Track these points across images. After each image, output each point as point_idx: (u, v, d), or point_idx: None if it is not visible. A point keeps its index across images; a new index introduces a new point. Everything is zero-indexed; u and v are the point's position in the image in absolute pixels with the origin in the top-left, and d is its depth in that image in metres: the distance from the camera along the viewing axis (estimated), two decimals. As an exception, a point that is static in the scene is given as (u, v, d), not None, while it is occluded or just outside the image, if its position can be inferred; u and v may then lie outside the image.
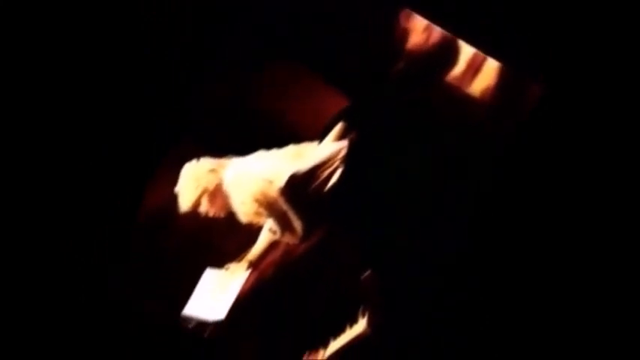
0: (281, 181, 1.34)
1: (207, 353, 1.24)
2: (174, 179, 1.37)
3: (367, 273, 1.20)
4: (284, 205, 1.32)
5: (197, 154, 1.41)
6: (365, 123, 1.33)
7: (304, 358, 1.20)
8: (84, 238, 1.11)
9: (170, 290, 1.37)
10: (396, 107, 1.26)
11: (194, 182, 1.37)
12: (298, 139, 1.45)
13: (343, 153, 1.37)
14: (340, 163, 1.37)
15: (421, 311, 1.10)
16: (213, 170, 1.40)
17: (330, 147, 1.40)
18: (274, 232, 1.34)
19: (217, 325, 1.27)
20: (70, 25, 1.07)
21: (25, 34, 1.05)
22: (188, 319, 1.28)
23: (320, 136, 1.43)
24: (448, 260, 1.08)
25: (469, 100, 1.20)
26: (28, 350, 1.03)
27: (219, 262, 1.46)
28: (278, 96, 1.47)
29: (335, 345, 1.19)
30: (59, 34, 1.06)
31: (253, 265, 1.44)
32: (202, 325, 1.28)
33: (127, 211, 1.16)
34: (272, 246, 1.41)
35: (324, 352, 1.19)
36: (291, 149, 1.45)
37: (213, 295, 1.34)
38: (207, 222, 1.37)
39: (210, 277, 1.40)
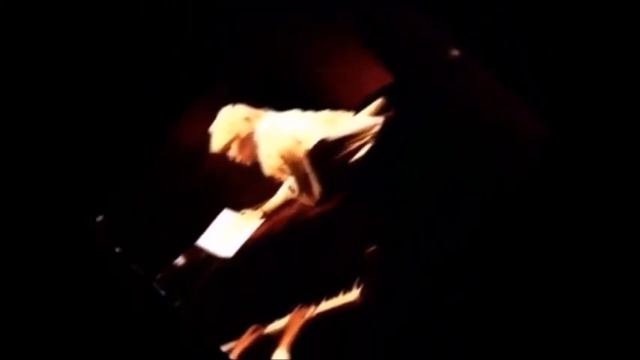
0: (309, 143, 1.33)
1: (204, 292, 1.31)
2: (209, 118, 1.40)
3: (372, 248, 1.23)
4: (307, 167, 1.33)
5: (236, 100, 1.42)
6: (404, 105, 1.30)
7: (295, 309, 1.27)
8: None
9: (187, 224, 1.44)
10: (438, 98, 1.23)
11: (228, 126, 1.39)
12: (335, 106, 1.41)
13: (376, 129, 1.36)
14: (370, 138, 1.36)
15: (413, 298, 1.13)
16: (248, 119, 1.41)
17: (365, 121, 1.39)
18: (292, 191, 1.37)
19: (223, 261, 1.35)
20: None
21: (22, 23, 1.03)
22: (199, 250, 1.36)
23: (357, 108, 1.39)
24: (453, 256, 1.09)
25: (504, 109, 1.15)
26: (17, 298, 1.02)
27: (237, 206, 1.50)
28: (324, 59, 1.44)
29: (325, 306, 1.24)
30: None
31: (267, 215, 1.45)
32: (210, 257, 1.36)
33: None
34: (288, 203, 1.42)
35: (314, 310, 1.25)
36: (325, 114, 1.44)
37: (226, 234, 1.41)
38: (232, 166, 1.40)
39: (227, 217, 1.46)
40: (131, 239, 1.32)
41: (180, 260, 1.44)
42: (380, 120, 1.35)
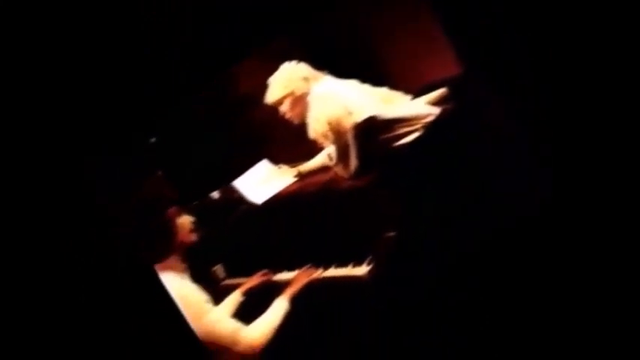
0: (359, 116, 1.28)
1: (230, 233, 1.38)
2: (270, 69, 1.40)
3: (391, 233, 1.23)
4: (350, 140, 1.30)
5: (299, 57, 1.40)
6: (465, 101, 1.21)
7: (305, 267, 1.33)
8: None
9: (228, 163, 1.52)
10: (496, 109, 1.12)
11: (285, 82, 1.38)
12: (395, 85, 1.35)
13: (429, 119, 1.29)
14: (421, 127, 1.28)
15: (415, 289, 1.14)
16: (306, 78, 1.39)
17: (421, 108, 1.31)
18: (330, 159, 1.36)
19: (251, 205, 1.42)
20: None
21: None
22: (234, 190, 1.44)
23: (416, 93, 1.32)
24: (457, 260, 1.08)
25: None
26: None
27: (275, 160, 1.54)
28: (395, 36, 1.36)
29: (332, 272, 1.25)
30: None
31: (301, 176, 1.48)
32: (241, 199, 1.43)
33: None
34: (323, 169, 1.42)
35: (321, 273, 1.27)
36: (383, 92, 1.37)
37: (260, 183, 1.46)
38: (280, 121, 1.42)
39: (264, 167, 1.51)
40: (175, 165, 1.42)
41: (215, 194, 1.54)
42: (436, 111, 1.27)
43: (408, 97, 1.36)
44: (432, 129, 1.25)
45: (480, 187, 1.13)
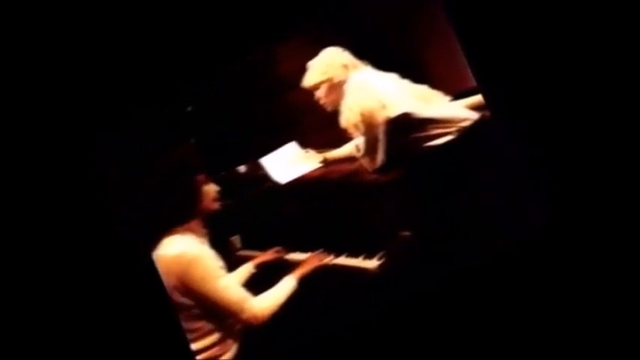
0: (393, 111, 1.26)
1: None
2: (311, 52, 1.39)
3: (407, 233, 1.22)
4: (380, 134, 1.28)
5: (343, 44, 1.38)
6: (505, 112, 1.15)
7: (317, 251, 1.35)
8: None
9: (257, 140, 1.54)
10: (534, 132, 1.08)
11: (325, 67, 1.36)
12: (435, 84, 1.30)
13: (465, 124, 1.24)
14: (455, 131, 1.24)
15: (421, 290, 1.14)
16: (345, 66, 1.36)
17: (458, 111, 1.26)
18: (358, 150, 1.35)
19: (274, 184, 1.45)
20: None
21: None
22: (260, 167, 1.47)
23: (456, 96, 1.27)
24: (463, 270, 1.08)
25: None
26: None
27: (304, 143, 1.53)
28: (443, 37, 1.30)
29: (343, 260, 1.27)
30: None
31: (327, 162, 1.47)
32: (266, 177, 1.46)
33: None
34: (349, 159, 1.39)
35: (332, 259, 1.29)
36: (422, 89, 1.32)
37: (286, 163, 1.48)
38: (314, 106, 1.41)
39: (292, 149, 1.51)
40: (207, 135, 1.47)
41: (242, 168, 1.58)
42: (474, 116, 1.22)
43: (446, 99, 1.31)
44: (467, 134, 1.20)
45: (489, 204, 1.11)
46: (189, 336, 1.10)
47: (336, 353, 1.14)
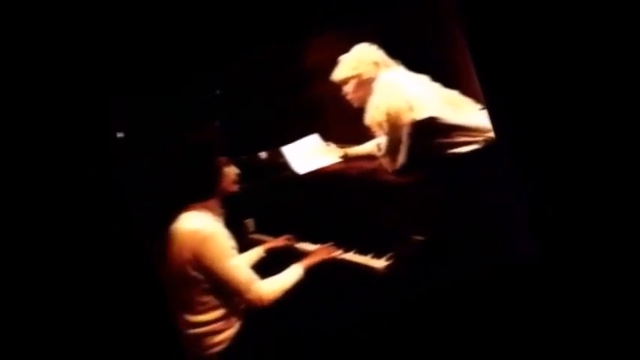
0: (420, 114, 1.23)
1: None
2: (344, 47, 1.38)
3: (419, 237, 1.21)
4: (404, 136, 1.26)
5: (376, 41, 1.36)
6: (535, 126, 1.11)
7: (327, 244, 1.35)
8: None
9: (281, 128, 1.56)
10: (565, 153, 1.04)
11: (355, 63, 1.34)
12: (467, 91, 1.27)
13: (492, 135, 1.21)
14: (482, 141, 1.21)
15: (424, 298, 1.14)
16: (376, 63, 1.35)
17: (487, 121, 1.22)
18: (379, 149, 1.33)
19: (293, 173, 1.46)
20: None
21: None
22: (281, 155, 1.48)
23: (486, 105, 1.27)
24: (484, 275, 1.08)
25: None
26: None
27: (326, 136, 1.53)
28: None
29: (351, 256, 1.27)
30: None
31: (347, 158, 1.47)
32: (283, 165, 1.48)
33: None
34: (370, 157, 1.39)
35: (341, 254, 1.29)
36: (452, 95, 1.29)
37: (306, 155, 1.48)
38: (340, 100, 1.40)
39: (314, 141, 1.51)
40: (233, 119, 1.49)
41: (263, 154, 1.60)
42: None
43: (476, 107, 1.27)
44: (492, 146, 1.17)
45: (493, 221, 1.09)
46: (198, 308, 1.14)
47: (331, 346, 1.16)
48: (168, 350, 1.06)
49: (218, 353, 1.14)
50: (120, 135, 1.38)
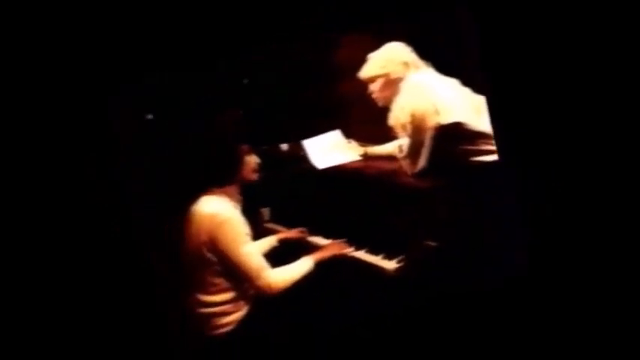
0: (445, 118, 1.20)
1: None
2: (374, 45, 1.36)
3: (432, 243, 1.19)
4: (427, 139, 1.23)
5: (408, 41, 1.34)
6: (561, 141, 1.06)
7: (340, 240, 1.33)
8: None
9: (302, 121, 1.56)
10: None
11: (384, 62, 1.33)
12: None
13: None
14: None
15: (429, 303, 1.13)
16: (406, 64, 1.32)
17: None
18: (400, 151, 1.31)
19: (312, 167, 1.47)
20: None
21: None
22: (301, 148, 1.49)
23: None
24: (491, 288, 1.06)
25: None
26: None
27: (347, 133, 1.51)
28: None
29: (362, 255, 1.26)
30: None
31: (366, 157, 1.47)
32: (303, 158, 1.49)
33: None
34: (390, 158, 1.37)
35: (352, 252, 1.28)
36: (481, 101, 1.23)
37: (326, 150, 1.49)
38: (365, 98, 1.38)
39: (335, 137, 1.50)
40: (257, 108, 1.51)
41: (284, 146, 1.62)
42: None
43: (505, 115, 1.23)
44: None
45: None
46: (209, 288, 1.17)
47: (332, 342, 1.16)
48: (167, 350, 1.07)
49: (225, 334, 1.16)
50: (149, 117, 1.43)
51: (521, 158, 0.97)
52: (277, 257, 1.27)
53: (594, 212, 0.93)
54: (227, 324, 1.17)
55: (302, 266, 1.24)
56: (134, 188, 1.14)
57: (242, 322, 1.18)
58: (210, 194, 1.20)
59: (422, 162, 1.25)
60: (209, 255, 1.15)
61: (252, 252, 1.19)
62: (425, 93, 1.29)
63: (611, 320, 0.92)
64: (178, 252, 1.19)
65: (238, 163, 1.22)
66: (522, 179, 0.97)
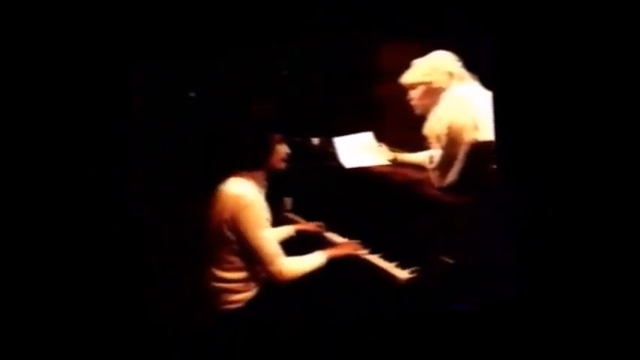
0: (483, 135, 1.15)
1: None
2: (420, 52, 1.33)
3: (449, 260, 1.16)
4: (461, 154, 1.19)
5: (457, 52, 1.30)
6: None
7: (355, 240, 1.32)
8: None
9: (336, 119, 1.56)
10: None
11: (429, 69, 1.29)
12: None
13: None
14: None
15: (434, 320, 1.10)
16: (451, 74, 1.28)
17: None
18: (430, 162, 1.27)
19: (339, 165, 1.47)
20: None
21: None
22: (331, 144, 1.50)
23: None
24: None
25: None
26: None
27: (380, 137, 1.50)
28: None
29: (375, 259, 1.25)
30: None
31: (395, 163, 1.45)
32: (332, 155, 1.50)
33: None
34: (419, 167, 1.35)
35: (365, 255, 1.27)
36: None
37: (356, 151, 1.48)
38: (403, 103, 1.34)
39: (366, 139, 1.48)
40: (293, 100, 1.52)
41: (315, 140, 1.63)
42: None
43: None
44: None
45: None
46: (224, 265, 1.21)
47: (332, 340, 1.16)
48: (165, 349, 1.09)
49: (232, 311, 1.20)
50: (192, 94, 1.49)
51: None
52: (292, 247, 1.29)
53: (595, 225, 0.86)
54: (236, 301, 1.20)
55: (315, 260, 1.26)
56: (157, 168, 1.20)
57: (250, 303, 1.21)
58: (238, 176, 1.24)
59: (451, 176, 1.22)
60: (229, 233, 1.19)
61: (269, 237, 1.21)
62: (466, 107, 1.25)
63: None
64: (202, 226, 1.24)
65: (269, 150, 1.25)
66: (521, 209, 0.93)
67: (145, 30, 1.05)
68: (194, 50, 1.14)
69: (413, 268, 1.21)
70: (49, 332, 1.01)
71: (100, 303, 1.04)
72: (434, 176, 1.26)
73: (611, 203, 0.85)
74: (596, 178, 0.86)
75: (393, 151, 1.51)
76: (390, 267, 1.24)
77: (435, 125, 1.28)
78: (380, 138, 1.53)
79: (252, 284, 1.22)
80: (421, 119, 1.32)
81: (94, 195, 1.02)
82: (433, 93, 1.29)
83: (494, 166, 1.16)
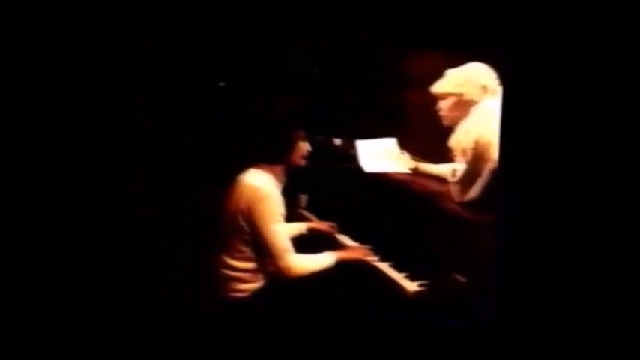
0: (511, 155, 1.15)
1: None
2: (456, 62, 1.29)
3: (462, 278, 1.13)
4: (485, 171, 1.16)
5: (498, 65, 1.24)
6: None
7: (367, 245, 1.30)
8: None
9: (360, 122, 1.55)
10: None
11: (462, 80, 1.25)
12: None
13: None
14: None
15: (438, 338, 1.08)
16: (484, 88, 1.24)
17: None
18: (453, 175, 1.23)
19: (358, 168, 1.46)
20: None
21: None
22: (353, 147, 1.49)
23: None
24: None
25: None
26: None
27: (403, 144, 1.47)
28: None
29: (384, 267, 1.23)
30: None
31: (416, 172, 1.42)
32: (352, 157, 1.48)
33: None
34: (440, 180, 1.32)
35: (376, 262, 1.26)
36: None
37: (378, 156, 1.46)
38: (430, 112, 1.31)
39: (390, 145, 1.46)
40: (320, 99, 1.51)
41: (337, 141, 1.62)
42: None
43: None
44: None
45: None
46: (235, 254, 1.22)
47: (331, 342, 1.15)
48: (164, 349, 1.08)
49: (238, 299, 1.21)
50: (221, 84, 1.51)
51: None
52: (302, 244, 1.29)
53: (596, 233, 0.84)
54: (242, 290, 1.22)
55: (324, 260, 1.25)
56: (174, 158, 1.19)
57: (256, 294, 1.22)
58: (258, 168, 1.25)
59: (473, 192, 1.18)
60: (243, 223, 1.21)
61: (281, 232, 1.22)
62: (496, 122, 1.20)
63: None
64: (218, 214, 1.24)
65: (290, 146, 1.26)
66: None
67: (149, 27, 1.03)
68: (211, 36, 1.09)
69: (422, 282, 1.18)
70: (50, 331, 1.00)
71: (99, 303, 1.04)
72: (454, 190, 1.23)
73: (612, 203, 0.83)
74: (596, 178, 0.83)
75: (415, 160, 1.48)
76: (399, 277, 1.22)
77: (461, 138, 1.24)
78: (403, 145, 1.50)
79: (260, 276, 1.23)
80: (448, 131, 1.28)
81: (94, 195, 1.02)
82: (464, 105, 1.25)
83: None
